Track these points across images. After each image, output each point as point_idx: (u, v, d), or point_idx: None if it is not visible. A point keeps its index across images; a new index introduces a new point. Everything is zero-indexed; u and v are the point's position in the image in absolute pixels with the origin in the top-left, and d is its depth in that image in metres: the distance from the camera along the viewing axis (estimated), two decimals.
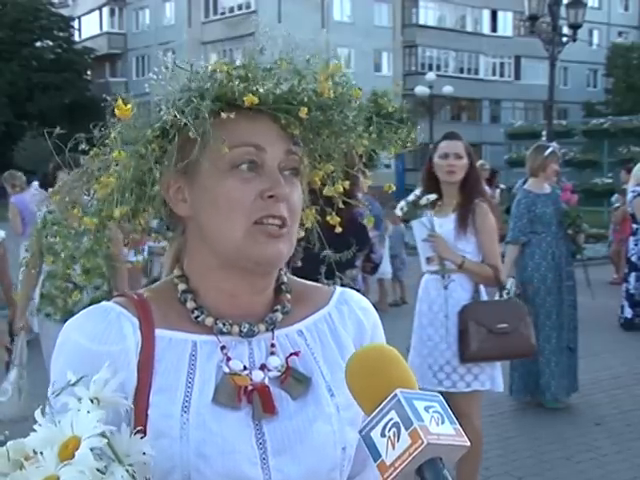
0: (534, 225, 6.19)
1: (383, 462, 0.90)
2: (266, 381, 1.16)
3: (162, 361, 1.14)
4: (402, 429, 0.89)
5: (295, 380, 1.17)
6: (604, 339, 8.77)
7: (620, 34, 51.32)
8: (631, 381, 7.15)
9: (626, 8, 53.46)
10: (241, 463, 1.10)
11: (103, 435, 0.90)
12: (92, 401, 0.94)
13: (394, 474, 0.89)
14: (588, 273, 7.04)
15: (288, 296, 1.24)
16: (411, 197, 4.36)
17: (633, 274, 9.29)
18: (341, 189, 1.25)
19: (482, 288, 4.23)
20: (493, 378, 4.18)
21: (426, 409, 0.91)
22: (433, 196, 4.23)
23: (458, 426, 0.92)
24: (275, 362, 1.17)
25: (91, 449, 0.89)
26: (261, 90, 1.12)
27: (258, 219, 1.13)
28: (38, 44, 43.73)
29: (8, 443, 0.92)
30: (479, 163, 10.77)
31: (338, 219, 1.28)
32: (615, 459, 5.25)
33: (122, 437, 0.96)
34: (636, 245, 9.29)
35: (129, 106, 1.14)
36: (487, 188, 10.23)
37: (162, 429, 1.10)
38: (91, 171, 1.17)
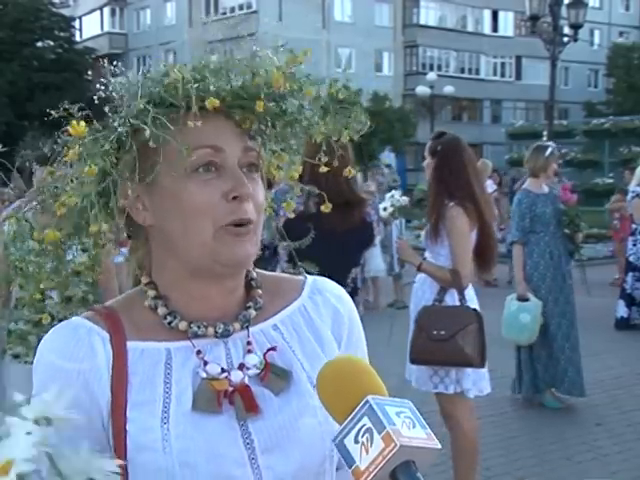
0: (533, 225, 6.23)
1: (358, 468, 0.91)
2: (246, 380, 1.15)
3: (136, 374, 1.12)
4: (375, 433, 0.91)
5: (275, 375, 1.16)
6: (604, 339, 8.77)
7: (621, 34, 51.29)
8: (632, 381, 7.15)
9: (627, 8, 53.43)
10: (228, 466, 1.10)
11: (48, 457, 0.89)
12: (38, 422, 0.91)
13: (369, 478, 0.90)
14: (585, 271, 7.05)
15: (259, 291, 1.23)
16: (387, 201, 4.49)
17: (630, 274, 9.31)
18: (297, 176, 1.25)
19: (456, 292, 4.21)
20: (459, 382, 4.18)
21: (397, 414, 0.93)
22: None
23: (429, 431, 0.94)
24: (253, 360, 1.17)
25: (22, 474, 0.88)
26: (212, 88, 1.11)
27: (225, 225, 1.11)
28: (39, 44, 43.69)
29: None
30: (480, 162, 10.61)
31: (293, 205, 1.28)
32: (616, 459, 5.25)
33: (79, 456, 0.92)
34: (634, 245, 9.31)
35: (82, 124, 1.13)
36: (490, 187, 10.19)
37: (144, 443, 1.09)
38: (47, 190, 1.16)
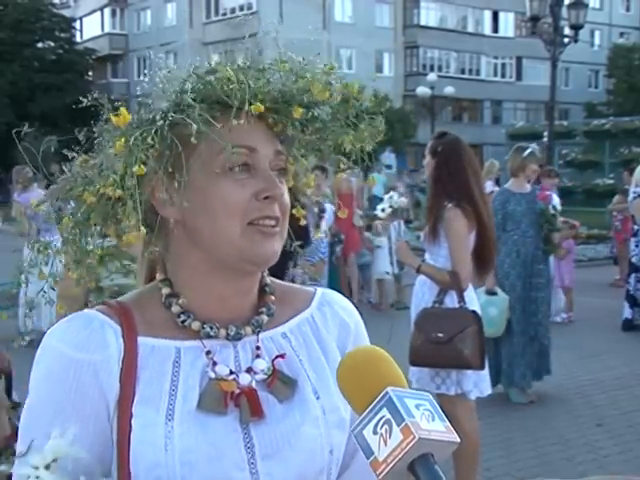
0: (505, 222, 6.33)
1: (376, 459, 0.92)
2: (253, 384, 1.15)
3: (145, 369, 1.12)
4: (394, 425, 0.91)
5: (282, 383, 1.17)
6: (605, 339, 8.77)
7: (621, 35, 51.29)
8: (633, 382, 7.14)
9: (627, 9, 53.44)
10: (228, 469, 1.10)
11: None
12: (48, 467, 0.94)
13: (387, 470, 0.91)
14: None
15: (272, 297, 1.24)
16: (386, 203, 4.50)
17: (633, 275, 9.32)
18: (312, 183, 1.27)
19: (455, 293, 4.20)
20: (460, 384, 4.19)
21: (417, 407, 0.93)
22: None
23: (448, 423, 0.94)
24: (261, 365, 1.17)
25: None
26: (259, 89, 1.12)
27: (253, 220, 1.13)
28: (39, 45, 43.73)
29: None
30: (488, 162, 10.60)
31: (304, 212, 1.30)
32: (617, 460, 5.25)
33: None
34: (637, 246, 9.31)
35: (124, 114, 1.11)
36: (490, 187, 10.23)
37: (146, 439, 1.08)
38: (81, 178, 1.14)
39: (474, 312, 4.19)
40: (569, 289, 9.84)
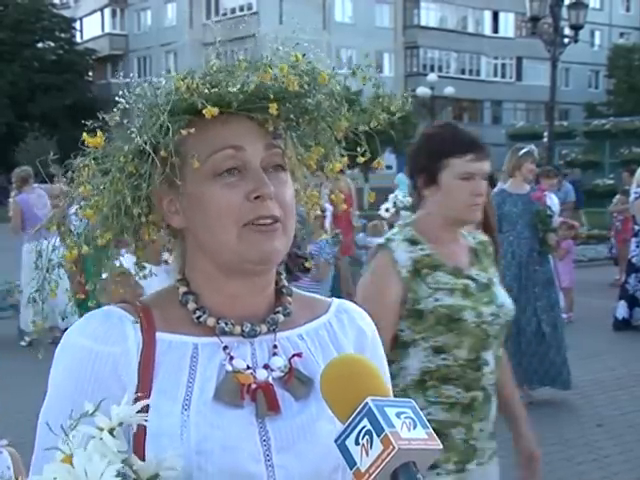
0: (500, 223, 6.28)
1: (358, 469, 0.92)
2: (270, 380, 1.16)
3: (162, 364, 1.14)
4: (374, 436, 0.92)
5: (298, 381, 1.18)
6: (605, 340, 8.78)
7: (622, 35, 51.32)
8: (632, 382, 7.15)
9: (628, 9, 53.47)
10: (243, 460, 1.11)
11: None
12: (111, 432, 0.96)
13: None
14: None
15: (289, 298, 1.25)
16: (391, 201, 4.49)
17: (633, 275, 9.31)
18: (338, 168, 1.27)
19: None
20: None
21: (397, 415, 0.93)
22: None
23: (431, 430, 0.94)
24: (278, 362, 1.18)
25: None
26: (231, 90, 1.13)
27: (248, 222, 1.14)
28: (40, 45, 43.78)
29: None
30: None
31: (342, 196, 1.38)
32: (617, 460, 5.25)
33: (149, 464, 0.99)
34: (637, 247, 9.32)
35: (99, 135, 1.15)
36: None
37: (162, 428, 1.10)
38: (75, 199, 1.19)
39: None
40: (569, 289, 9.83)
